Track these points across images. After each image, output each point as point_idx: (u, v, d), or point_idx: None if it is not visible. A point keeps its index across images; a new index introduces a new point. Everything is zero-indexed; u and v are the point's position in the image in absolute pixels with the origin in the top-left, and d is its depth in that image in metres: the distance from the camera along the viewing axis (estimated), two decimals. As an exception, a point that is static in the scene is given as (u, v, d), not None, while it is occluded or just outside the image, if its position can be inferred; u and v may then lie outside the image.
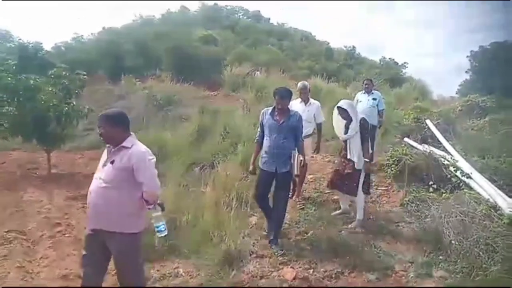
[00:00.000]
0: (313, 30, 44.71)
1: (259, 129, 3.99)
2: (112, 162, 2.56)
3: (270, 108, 3.85)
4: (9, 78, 6.73)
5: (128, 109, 11.17)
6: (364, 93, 6.29)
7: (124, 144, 2.57)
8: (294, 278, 3.26)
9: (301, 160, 3.70)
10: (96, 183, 2.61)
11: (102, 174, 2.60)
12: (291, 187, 3.96)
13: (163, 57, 16.04)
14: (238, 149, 5.95)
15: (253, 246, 3.88)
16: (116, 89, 13.70)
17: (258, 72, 12.69)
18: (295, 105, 4.76)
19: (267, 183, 3.86)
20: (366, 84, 6.35)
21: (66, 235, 4.53)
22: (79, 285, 3.29)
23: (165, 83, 12.84)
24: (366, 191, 4.24)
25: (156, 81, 13.89)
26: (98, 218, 2.59)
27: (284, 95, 3.74)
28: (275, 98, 3.77)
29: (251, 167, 4.02)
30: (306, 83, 5.10)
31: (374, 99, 6.15)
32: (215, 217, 4.18)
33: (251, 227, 4.27)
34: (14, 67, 7.15)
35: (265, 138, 3.84)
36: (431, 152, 5.32)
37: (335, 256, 3.56)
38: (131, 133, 2.66)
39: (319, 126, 4.99)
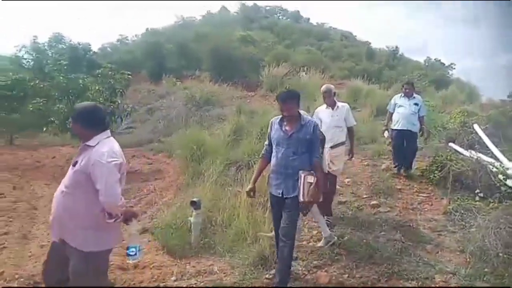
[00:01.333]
0: (354, 30, 43.67)
1: (266, 142, 3.25)
2: (74, 164, 2.23)
3: (280, 117, 3.12)
4: (61, 78, 7.20)
5: (168, 108, 11.63)
6: (404, 97, 5.72)
7: (88, 142, 2.21)
8: (328, 283, 3.20)
9: (311, 183, 2.86)
10: (59, 187, 2.28)
11: (66, 177, 2.27)
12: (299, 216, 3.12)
13: (203, 58, 16.42)
14: (274, 150, 5.92)
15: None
16: (157, 88, 14.23)
17: (304, 73, 12.60)
18: (322, 112, 4.34)
19: (279, 212, 3.09)
20: (406, 89, 5.74)
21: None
22: (116, 277, 3.47)
23: (204, 83, 13.11)
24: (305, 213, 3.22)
25: (195, 81, 14.25)
26: (56, 227, 2.26)
27: (286, 97, 3.01)
28: (279, 104, 3.07)
29: (248, 187, 3.27)
30: (330, 86, 4.50)
31: (415, 104, 5.59)
32: (250, 217, 4.22)
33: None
34: (65, 67, 7.62)
35: (272, 154, 3.12)
36: (479, 158, 5.02)
37: (372, 262, 3.46)
38: (106, 130, 2.32)
39: (350, 130, 4.43)
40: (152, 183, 6.86)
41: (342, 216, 4.46)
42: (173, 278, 3.48)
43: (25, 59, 14.26)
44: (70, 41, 14.36)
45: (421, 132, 5.69)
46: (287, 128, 3.03)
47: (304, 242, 3.99)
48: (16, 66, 13.28)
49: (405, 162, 5.63)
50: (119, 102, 7.57)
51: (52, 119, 7.23)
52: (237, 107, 10.07)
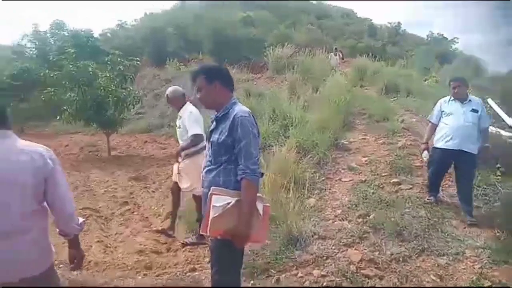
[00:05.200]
0: (355, 7, 42.88)
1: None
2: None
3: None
4: (70, 66, 7.14)
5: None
6: (454, 100, 4.09)
7: None
8: (360, 260, 3.28)
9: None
10: None
11: None
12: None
13: (204, 41, 16.21)
14: (290, 132, 5.95)
15: (314, 227, 3.93)
16: (161, 73, 14.11)
17: (332, 54, 12.55)
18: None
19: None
20: (455, 87, 4.06)
21: (135, 213, 4.85)
22: (152, 260, 3.57)
23: (209, 66, 12.97)
24: None
25: (198, 64, 14.12)
26: None
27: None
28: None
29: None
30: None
31: (473, 110, 3.95)
32: (274, 198, 4.28)
33: (310, 209, 4.31)
34: (73, 55, 7.55)
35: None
36: (498, 132, 5.04)
37: (401, 240, 3.54)
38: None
39: None
40: (169, 168, 6.90)
41: (364, 194, 4.52)
42: (207, 259, 3.57)
43: (28, 48, 14.11)
44: (73, 28, 14.18)
45: (483, 151, 4.05)
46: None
47: (330, 221, 4.07)
48: (20, 56, 13.16)
49: (462, 200, 3.99)
50: (130, 88, 7.56)
51: (65, 107, 7.23)
52: (245, 90, 10.02)
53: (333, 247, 3.57)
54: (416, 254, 3.33)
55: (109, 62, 7.65)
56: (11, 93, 9.84)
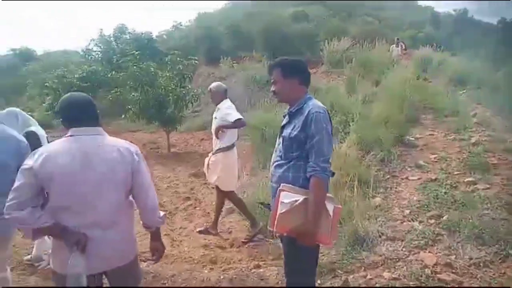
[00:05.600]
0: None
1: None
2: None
3: None
4: (134, 67, 7.52)
5: (230, 91, 11.72)
6: None
7: None
8: (435, 264, 3.06)
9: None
10: None
11: None
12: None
13: (256, 38, 16.28)
14: (351, 128, 5.75)
15: (381, 227, 3.75)
16: (216, 71, 14.41)
17: (394, 46, 11.98)
18: None
19: None
20: None
21: (197, 208, 4.98)
22: (216, 255, 3.62)
23: (262, 64, 13.01)
24: None
25: (252, 62, 14.20)
26: None
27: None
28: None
29: None
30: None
31: None
32: (337, 197, 4.15)
33: (375, 208, 4.12)
34: (137, 57, 7.95)
35: None
36: None
37: (480, 243, 3.24)
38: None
39: None
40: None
41: (435, 194, 4.22)
42: (271, 256, 3.55)
43: (94, 51, 15.17)
44: (134, 30, 14.99)
45: None
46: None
47: (398, 221, 3.86)
48: (88, 59, 14.19)
49: None
50: (189, 87, 7.79)
51: (129, 106, 7.64)
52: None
53: (403, 249, 3.38)
54: (499, 259, 3.03)
55: (169, 62, 7.96)
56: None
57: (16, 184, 1.61)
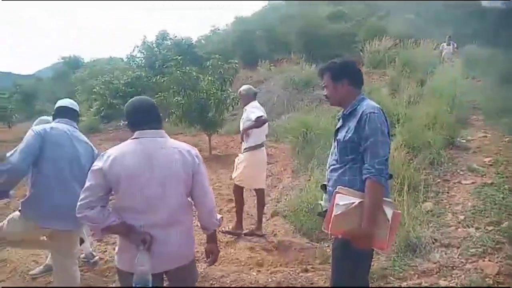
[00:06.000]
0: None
1: None
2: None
3: None
4: (178, 72, 7.74)
5: (268, 93, 11.79)
6: None
7: None
8: (497, 273, 2.89)
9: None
10: None
11: None
12: None
13: (292, 40, 16.22)
14: (396, 130, 5.56)
15: (434, 233, 3.59)
16: (254, 75, 14.51)
17: (444, 44, 11.36)
18: None
19: None
20: None
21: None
22: (262, 257, 3.62)
23: (299, 66, 12.95)
24: None
25: (289, 64, 14.16)
26: None
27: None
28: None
29: None
30: None
31: None
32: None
33: (426, 214, 3.95)
34: (180, 62, 8.18)
35: None
36: None
37: (548, 253, 3.02)
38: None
39: None
40: (267, 167, 7.02)
41: (492, 199, 3.98)
42: (318, 260, 3.51)
43: (138, 57, 15.81)
44: (175, 36, 15.44)
45: None
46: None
47: (452, 227, 3.68)
48: (132, 65, 14.82)
49: None
50: (230, 90, 7.91)
51: (172, 110, 7.88)
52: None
53: (460, 257, 3.22)
54: None
55: (210, 66, 8.12)
56: (129, 98, 11.02)
57: (87, 184, 1.70)
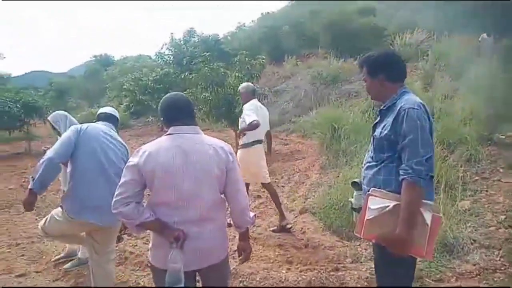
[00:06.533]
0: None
1: None
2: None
3: None
4: (206, 68, 7.78)
5: (295, 89, 11.69)
6: None
7: None
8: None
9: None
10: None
11: None
12: None
13: (320, 35, 15.95)
14: (432, 125, 5.33)
15: (472, 234, 3.42)
16: (280, 70, 14.41)
17: (484, 34, 10.75)
18: None
19: None
20: None
21: (268, 207, 4.98)
22: (292, 255, 3.57)
23: (327, 60, 12.74)
24: None
25: (317, 59, 13.96)
26: None
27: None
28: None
29: None
30: None
31: None
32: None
33: (464, 213, 3.77)
34: (208, 58, 8.21)
35: None
36: None
37: None
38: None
39: None
40: (294, 163, 6.97)
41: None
42: (349, 259, 3.42)
43: (166, 54, 16.08)
44: (202, 34, 15.61)
45: None
46: None
47: (493, 228, 3.49)
48: (160, 62, 15.10)
49: None
50: (257, 86, 7.87)
51: (200, 106, 7.93)
52: (368, 82, 9.44)
53: (502, 259, 3.04)
54: None
55: (237, 62, 8.12)
56: (157, 95, 11.33)
57: (122, 180, 1.71)
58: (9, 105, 9.75)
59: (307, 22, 17.92)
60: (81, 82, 26.68)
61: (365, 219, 1.84)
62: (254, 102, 4.26)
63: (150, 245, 1.83)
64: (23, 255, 3.69)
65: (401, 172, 1.77)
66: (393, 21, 16.24)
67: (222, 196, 1.85)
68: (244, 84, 4.53)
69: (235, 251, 2.78)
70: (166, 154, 1.70)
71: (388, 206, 1.78)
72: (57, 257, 3.48)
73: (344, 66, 11.89)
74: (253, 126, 4.01)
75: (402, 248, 1.73)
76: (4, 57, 25.40)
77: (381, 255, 1.92)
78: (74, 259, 3.40)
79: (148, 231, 1.84)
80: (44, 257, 3.65)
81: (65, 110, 3.50)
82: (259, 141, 4.23)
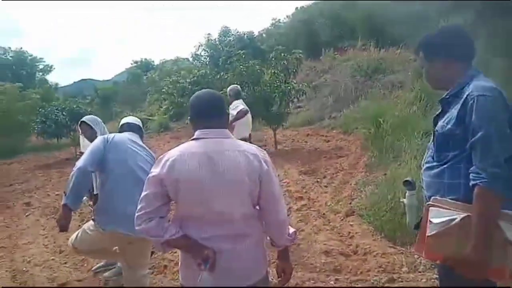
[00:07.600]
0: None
1: None
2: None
3: None
4: (241, 66, 7.63)
5: (334, 83, 11.24)
6: None
7: None
8: None
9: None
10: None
11: None
12: None
13: (359, 26, 15.32)
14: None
15: None
16: (317, 65, 13.97)
17: None
18: None
19: None
20: None
21: (311, 209, 4.70)
22: (340, 263, 3.29)
23: (367, 52, 12.15)
24: None
25: (356, 51, 13.38)
26: None
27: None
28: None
29: None
30: None
31: None
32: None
33: None
34: (243, 57, 8.06)
35: None
36: None
37: None
38: None
39: None
40: (337, 161, 6.62)
41: None
42: (405, 269, 3.08)
43: (202, 56, 16.23)
44: (237, 32, 15.55)
45: None
46: None
47: None
48: (197, 64, 15.26)
49: None
50: (294, 82, 7.61)
51: (238, 105, 7.82)
52: (414, 71, 8.83)
53: None
54: None
55: (273, 59, 7.90)
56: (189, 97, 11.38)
57: (143, 194, 1.52)
58: (55, 113, 10.22)
59: (344, 13, 17.29)
60: (124, 88, 27.74)
61: (426, 236, 1.49)
62: (239, 102, 4.79)
63: (179, 263, 1.65)
64: (66, 263, 3.71)
65: (471, 175, 1.42)
66: (437, 6, 15.22)
67: (258, 208, 1.62)
68: (231, 86, 5.07)
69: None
70: (191, 163, 1.48)
71: (455, 218, 1.43)
72: (97, 265, 3.45)
73: (385, 56, 11.28)
74: (242, 113, 4.42)
75: (476, 271, 1.38)
76: (54, 68, 26.95)
77: (448, 279, 1.57)
78: (114, 267, 3.35)
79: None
80: (85, 264, 3.64)
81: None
82: (244, 139, 4.12)
